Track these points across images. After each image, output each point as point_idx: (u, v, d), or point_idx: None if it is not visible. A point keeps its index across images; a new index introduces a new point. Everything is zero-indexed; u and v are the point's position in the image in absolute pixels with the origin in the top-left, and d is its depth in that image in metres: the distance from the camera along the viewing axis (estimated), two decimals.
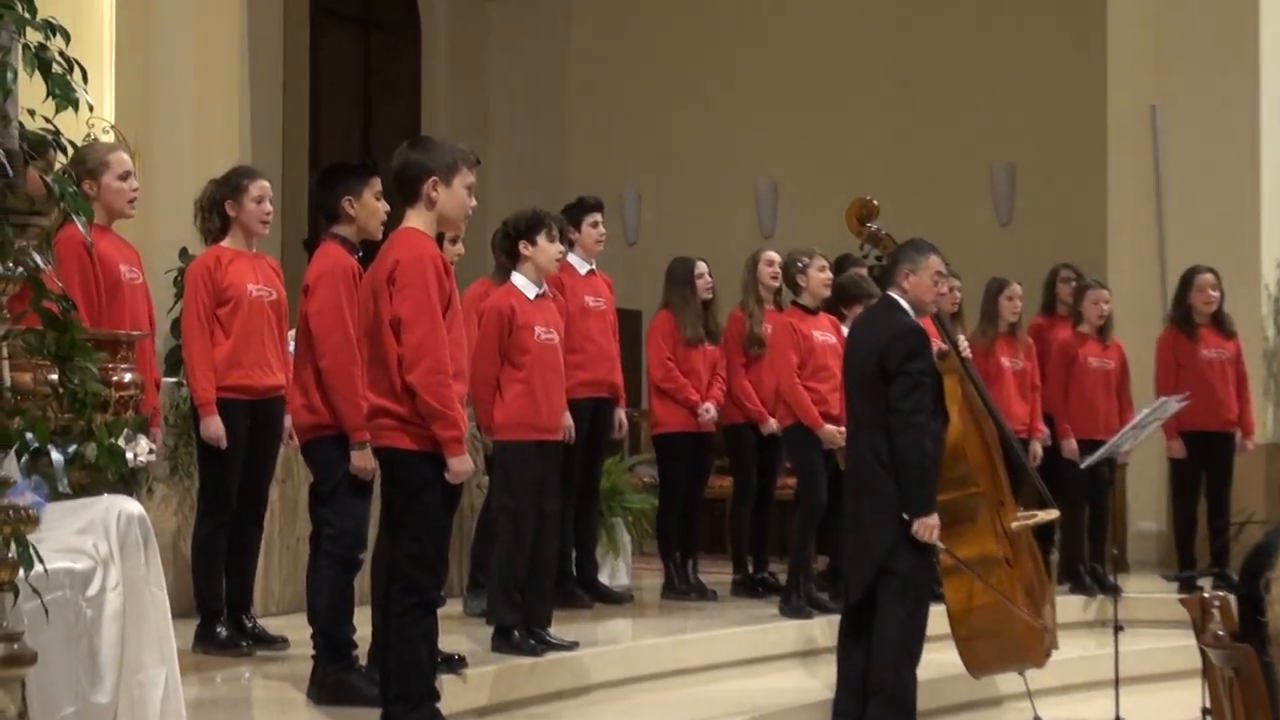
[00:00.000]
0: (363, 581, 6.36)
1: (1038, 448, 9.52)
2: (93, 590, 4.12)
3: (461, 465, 5.47)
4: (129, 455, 4.63)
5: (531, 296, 7.12)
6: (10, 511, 3.58)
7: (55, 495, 4.28)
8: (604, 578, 8.91)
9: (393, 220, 6.02)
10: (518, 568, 7.02)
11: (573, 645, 7.26)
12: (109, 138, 6.48)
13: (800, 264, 8.80)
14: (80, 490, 4.44)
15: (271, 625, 7.16)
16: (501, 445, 7.10)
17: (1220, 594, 4.68)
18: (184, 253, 9.03)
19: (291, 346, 6.69)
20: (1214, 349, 9.94)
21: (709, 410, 8.96)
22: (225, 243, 6.89)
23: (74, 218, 4.16)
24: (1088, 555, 9.72)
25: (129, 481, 4.65)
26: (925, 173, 13.86)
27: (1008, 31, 13.93)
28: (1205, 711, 6.34)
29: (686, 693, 7.56)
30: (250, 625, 7.00)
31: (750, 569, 9.29)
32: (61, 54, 4.00)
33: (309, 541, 6.37)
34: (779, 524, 9.90)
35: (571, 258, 8.33)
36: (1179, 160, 11.16)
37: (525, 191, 10.89)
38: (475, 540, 8.34)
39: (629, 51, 15.02)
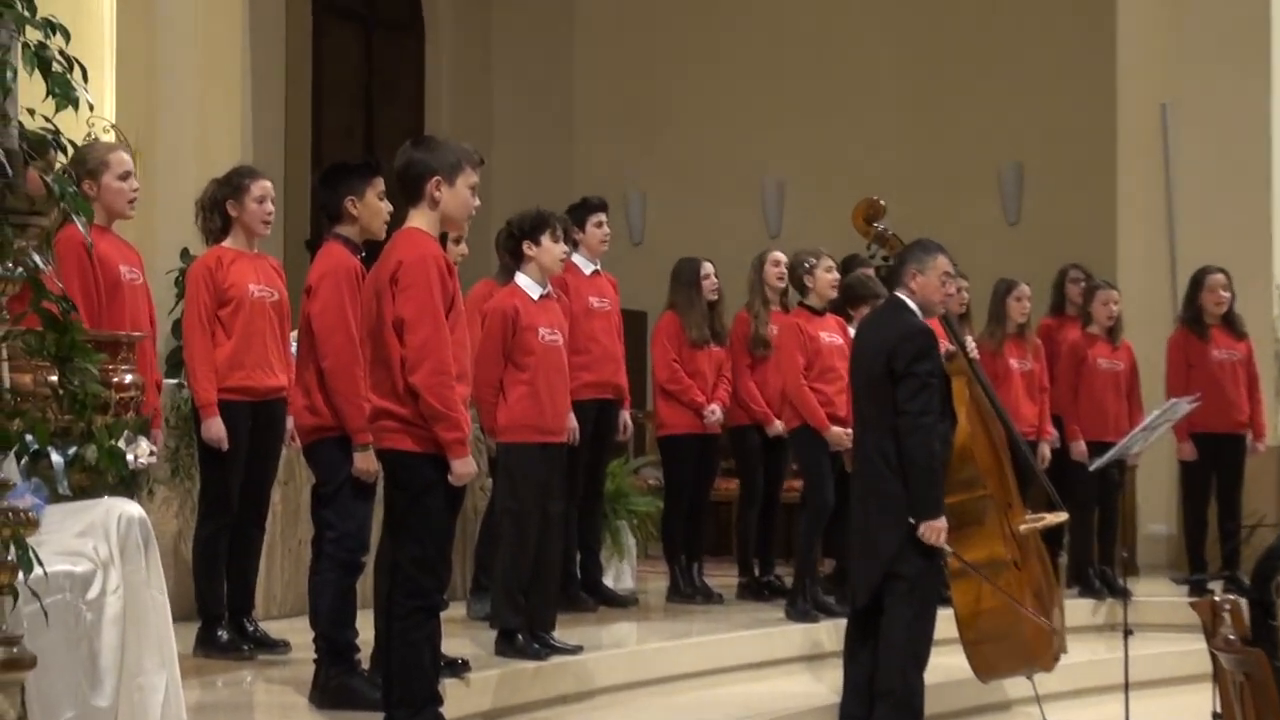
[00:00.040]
0: (365, 584, 6.33)
1: (1046, 450, 9.49)
2: (93, 593, 4.10)
3: (465, 468, 5.43)
4: (129, 457, 4.60)
5: (535, 297, 7.08)
6: (10, 514, 3.56)
7: (55, 498, 4.26)
8: (609, 581, 8.87)
9: (396, 220, 5.98)
10: (522, 571, 6.98)
11: (577, 649, 7.23)
12: (109, 137, 6.47)
13: (807, 264, 8.76)
14: (80, 493, 4.42)
15: (273, 628, 7.13)
16: (505, 447, 7.06)
17: (1231, 598, 4.66)
18: (185, 253, 9.01)
19: (294, 347, 6.65)
20: (1225, 350, 9.90)
21: (715, 412, 8.92)
22: (227, 243, 6.86)
23: (74, 218, 4.12)
24: (1097, 558, 9.69)
25: (129, 484, 4.63)
26: (933, 173, 13.81)
27: (1016, 31, 13.88)
28: (1216, 716, 6.26)
29: (692, 697, 7.53)
30: (252, 628, 6.97)
31: (756, 572, 9.25)
32: (61, 52, 3.96)
33: (311, 544, 6.34)
34: (785, 527, 9.88)
35: (576, 258, 8.30)
36: (1189, 160, 11.10)
37: (529, 191, 10.83)
38: (479, 543, 8.31)
39: (634, 50, 14.99)
